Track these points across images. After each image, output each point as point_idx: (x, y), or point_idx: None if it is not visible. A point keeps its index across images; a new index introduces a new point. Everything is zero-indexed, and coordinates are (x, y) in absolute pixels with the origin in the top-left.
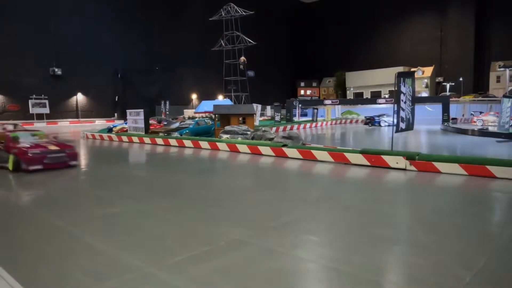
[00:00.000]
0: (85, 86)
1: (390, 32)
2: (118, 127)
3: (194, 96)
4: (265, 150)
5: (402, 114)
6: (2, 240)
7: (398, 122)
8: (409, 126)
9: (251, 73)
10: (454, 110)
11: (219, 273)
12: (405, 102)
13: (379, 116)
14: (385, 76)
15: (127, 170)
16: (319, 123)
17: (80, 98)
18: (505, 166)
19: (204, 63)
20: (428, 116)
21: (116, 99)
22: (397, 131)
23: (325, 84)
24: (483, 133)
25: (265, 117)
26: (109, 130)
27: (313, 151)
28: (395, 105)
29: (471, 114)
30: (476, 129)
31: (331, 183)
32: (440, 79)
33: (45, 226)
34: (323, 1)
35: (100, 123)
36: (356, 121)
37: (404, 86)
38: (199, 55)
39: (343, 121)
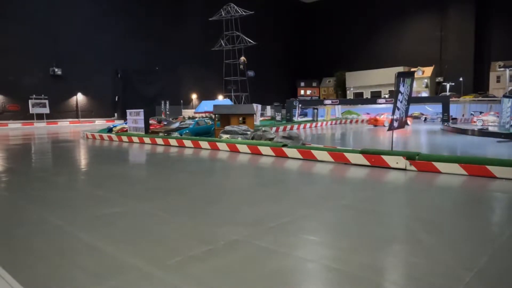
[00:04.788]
0: (85, 86)
1: (390, 32)
2: (118, 127)
3: (194, 96)
4: (265, 150)
5: (396, 113)
6: (2, 239)
7: (392, 121)
8: (401, 125)
9: (251, 73)
10: (454, 110)
11: (219, 273)
12: (401, 102)
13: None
14: (385, 76)
15: (127, 170)
16: (319, 123)
17: (80, 98)
18: (505, 166)
19: (204, 63)
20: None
21: (116, 99)
22: (389, 129)
23: (325, 84)
24: (483, 133)
25: (265, 117)
26: (109, 130)
27: (313, 151)
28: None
29: (471, 114)
30: (476, 129)
31: (331, 183)
32: (440, 79)
33: (45, 225)
34: (323, 1)
35: (100, 123)
36: (356, 121)
37: (404, 86)
38: (199, 55)
39: (343, 121)
